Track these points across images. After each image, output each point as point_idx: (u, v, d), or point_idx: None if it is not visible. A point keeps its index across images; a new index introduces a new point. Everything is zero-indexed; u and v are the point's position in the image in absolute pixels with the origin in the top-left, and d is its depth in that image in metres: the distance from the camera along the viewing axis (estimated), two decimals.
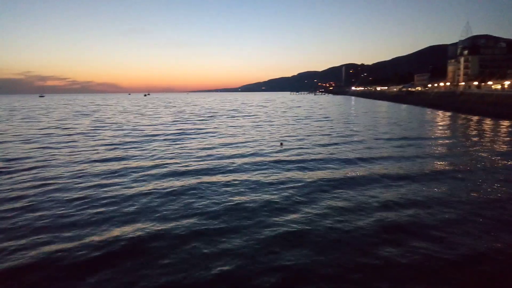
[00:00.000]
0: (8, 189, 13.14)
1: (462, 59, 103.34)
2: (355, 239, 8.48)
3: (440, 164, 16.91)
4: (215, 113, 61.48)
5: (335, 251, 7.86)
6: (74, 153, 21.25)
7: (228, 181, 13.95)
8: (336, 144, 23.65)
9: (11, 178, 15.04)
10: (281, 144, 24.70)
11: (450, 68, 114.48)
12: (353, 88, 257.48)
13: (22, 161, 18.81)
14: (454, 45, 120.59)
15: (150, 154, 20.58)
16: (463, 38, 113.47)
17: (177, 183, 13.79)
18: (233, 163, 17.64)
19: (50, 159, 19.20)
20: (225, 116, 53.90)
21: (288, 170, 16.09)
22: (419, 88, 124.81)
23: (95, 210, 10.75)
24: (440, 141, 24.62)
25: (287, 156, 19.37)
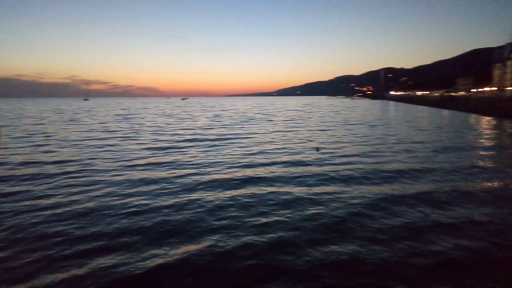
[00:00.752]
0: (50, 194, 13.53)
1: (509, 63, 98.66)
2: (416, 274, 7.54)
3: (496, 179, 15.51)
4: (253, 118, 62.10)
5: (395, 283, 7.25)
6: (115, 156, 22.03)
7: (271, 192, 13.58)
8: (381, 152, 22.53)
9: (52, 182, 15.56)
10: (318, 149, 24.47)
11: (495, 72, 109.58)
12: (392, 92, 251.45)
13: (65, 164, 19.57)
14: (501, 48, 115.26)
15: (190, 159, 20.85)
16: (511, 41, 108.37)
17: (217, 193, 13.60)
18: (273, 171, 17.29)
19: (93, 163, 19.81)
20: (263, 121, 54.23)
21: (334, 180, 15.40)
22: (462, 93, 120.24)
23: (136, 219, 10.84)
24: (490, 152, 23.04)
25: (332, 165, 18.55)
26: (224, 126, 43.92)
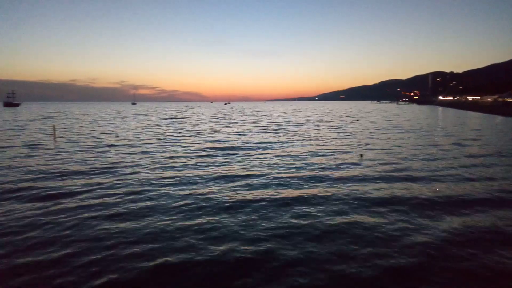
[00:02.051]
0: (102, 203, 13.85)
1: None
2: None
3: None
4: (297, 122, 61.64)
5: None
6: (164, 162, 22.57)
7: (322, 217, 11.74)
8: (444, 167, 19.47)
9: (104, 188, 16.09)
10: (361, 155, 23.78)
11: None
12: (440, 97, 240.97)
13: (113, 169, 20.16)
14: None
15: (239, 165, 20.76)
16: None
17: (274, 210, 12.55)
18: (324, 187, 15.45)
19: (143, 171, 20.16)
20: (307, 126, 53.48)
21: (392, 203, 12.92)
22: None
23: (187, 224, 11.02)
24: None
25: (386, 183, 16.06)
26: (268, 132, 43.74)
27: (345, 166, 20.23)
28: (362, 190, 14.74)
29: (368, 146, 28.76)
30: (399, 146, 28.59)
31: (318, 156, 24.05)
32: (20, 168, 19.68)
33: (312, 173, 18.33)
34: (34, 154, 25.11)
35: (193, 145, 30.51)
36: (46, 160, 22.35)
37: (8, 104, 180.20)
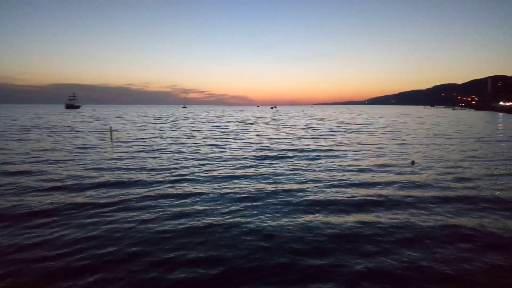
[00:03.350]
0: (149, 206, 13.84)
1: None
2: None
3: None
4: (348, 128, 60.04)
5: None
6: (214, 166, 22.42)
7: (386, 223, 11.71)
8: None
9: (149, 191, 16.14)
10: (413, 162, 22.81)
11: None
12: (501, 103, 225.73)
13: (161, 172, 20.29)
14: None
15: (292, 176, 19.99)
16: None
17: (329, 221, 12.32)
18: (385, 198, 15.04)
19: (192, 173, 20.17)
20: (360, 131, 51.63)
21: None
22: None
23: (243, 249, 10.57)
24: None
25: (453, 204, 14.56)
26: (318, 136, 42.56)
27: (409, 185, 18.03)
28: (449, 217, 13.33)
29: (428, 157, 26.57)
30: (469, 157, 26.11)
31: (376, 168, 22.31)
32: (77, 172, 20.18)
33: (372, 191, 16.92)
34: (91, 157, 25.80)
35: (240, 151, 30.03)
36: (103, 162, 22.92)
37: (69, 106, 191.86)
